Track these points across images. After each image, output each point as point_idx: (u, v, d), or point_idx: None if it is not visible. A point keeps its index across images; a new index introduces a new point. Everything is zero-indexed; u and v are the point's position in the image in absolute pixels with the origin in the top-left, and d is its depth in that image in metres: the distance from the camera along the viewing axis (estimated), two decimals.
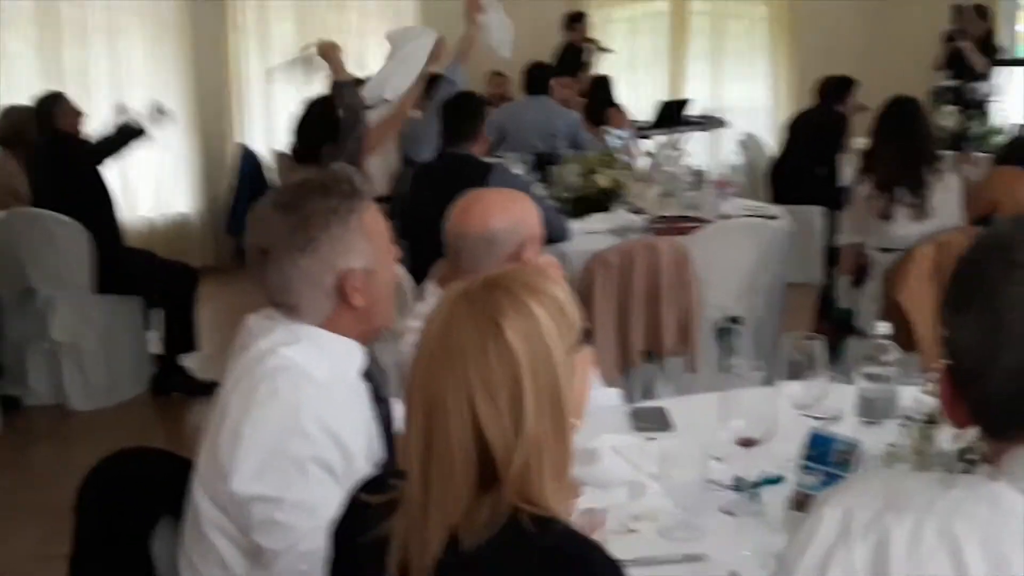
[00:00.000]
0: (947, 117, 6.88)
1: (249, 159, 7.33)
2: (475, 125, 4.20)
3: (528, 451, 1.20)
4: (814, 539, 1.03)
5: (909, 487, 1.04)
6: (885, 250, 4.52)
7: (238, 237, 7.07)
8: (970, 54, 8.13)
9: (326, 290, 1.77)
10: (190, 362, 5.33)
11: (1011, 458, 1.00)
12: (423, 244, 3.11)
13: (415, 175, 4.37)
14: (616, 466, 2.00)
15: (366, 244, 1.79)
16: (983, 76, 7.91)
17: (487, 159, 4.31)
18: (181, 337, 5.31)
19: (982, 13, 8.25)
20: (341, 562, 1.38)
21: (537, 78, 6.52)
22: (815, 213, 7.01)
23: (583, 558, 1.21)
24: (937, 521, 0.97)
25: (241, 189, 7.20)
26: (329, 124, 4.76)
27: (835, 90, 7.21)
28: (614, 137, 6.34)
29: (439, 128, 4.32)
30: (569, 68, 8.05)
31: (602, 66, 9.28)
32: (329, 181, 1.82)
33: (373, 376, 1.92)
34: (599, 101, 7.35)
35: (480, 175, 3.92)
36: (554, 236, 4.24)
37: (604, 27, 9.64)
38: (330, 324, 1.79)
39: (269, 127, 7.99)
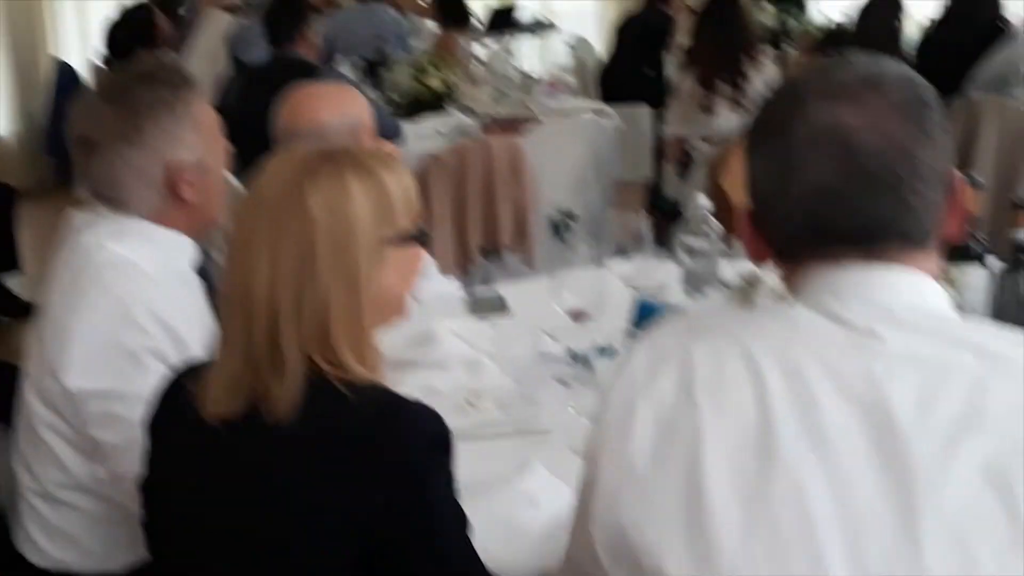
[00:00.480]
0: (765, 13, 7.07)
1: (65, 73, 6.98)
2: (297, 25, 4.12)
3: (318, 316, 1.23)
4: (623, 374, 1.06)
5: (712, 316, 1.11)
6: (708, 140, 4.68)
7: (57, 157, 6.81)
8: None
9: (154, 183, 1.73)
10: (12, 283, 5.12)
11: (803, 278, 1.07)
12: (253, 148, 3.05)
13: (242, 78, 4.27)
14: (454, 347, 2.04)
15: (196, 137, 1.76)
16: None
17: (314, 63, 4.24)
18: (2, 255, 5.09)
19: None
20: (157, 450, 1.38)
21: None
22: (644, 112, 7.16)
23: (403, 413, 1.25)
24: (736, 342, 1.02)
25: (58, 106, 6.86)
26: (145, 30, 4.59)
27: None
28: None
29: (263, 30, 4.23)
30: None
31: None
32: (157, 70, 1.77)
33: (208, 273, 1.90)
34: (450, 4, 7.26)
35: (307, 77, 3.85)
36: (386, 135, 4.24)
37: None
38: (159, 218, 1.76)
39: (85, 38, 7.62)
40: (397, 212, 1.31)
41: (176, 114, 1.73)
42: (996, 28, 5.15)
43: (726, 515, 0.94)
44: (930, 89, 1.08)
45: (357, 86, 3.70)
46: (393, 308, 1.37)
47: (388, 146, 2.50)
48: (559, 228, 4.55)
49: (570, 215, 4.55)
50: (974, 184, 1.92)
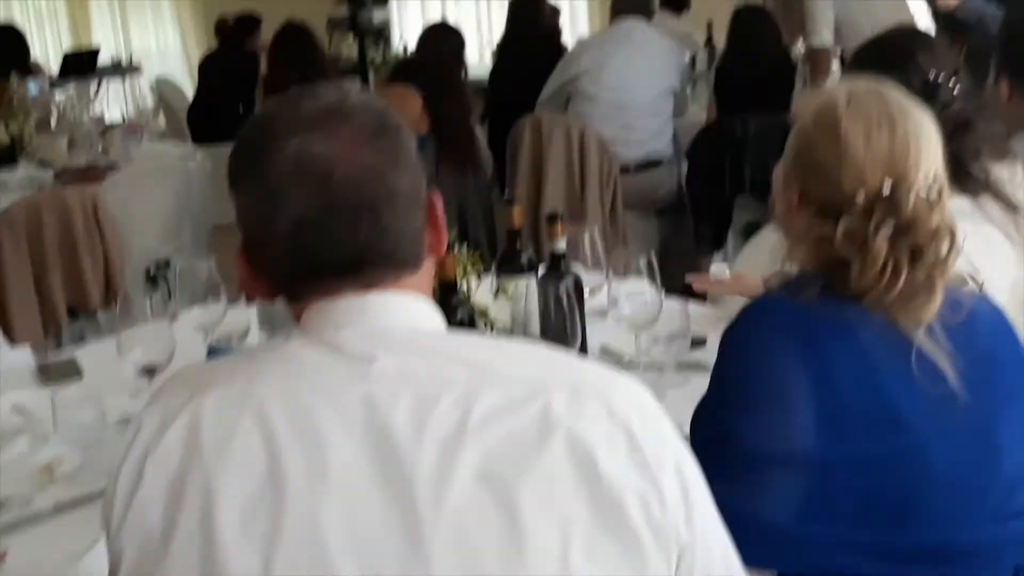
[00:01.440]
0: (345, 45, 7.21)
1: None
2: None
3: None
4: (135, 441, 1.03)
5: (215, 368, 1.11)
6: None
7: None
8: None
9: None
10: None
11: (306, 314, 1.09)
12: None
13: None
14: (10, 422, 1.91)
15: None
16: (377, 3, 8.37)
17: None
18: None
19: None
20: None
21: None
22: None
23: None
24: (243, 390, 1.02)
25: None
26: None
27: (240, 29, 7.26)
28: (33, 85, 5.89)
29: None
30: None
31: None
32: None
33: None
34: (7, 51, 6.75)
35: None
36: None
37: None
38: None
39: None
40: None
41: None
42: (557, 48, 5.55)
43: (242, 564, 0.94)
44: (395, 115, 1.12)
45: None
46: None
47: None
48: (155, 278, 4.38)
49: (164, 263, 4.40)
50: (511, 201, 2.06)
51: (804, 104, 1.55)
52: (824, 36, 4.75)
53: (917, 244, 1.38)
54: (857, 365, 1.38)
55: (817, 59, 4.81)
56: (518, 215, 2.08)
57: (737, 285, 2.28)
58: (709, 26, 5.57)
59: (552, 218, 1.97)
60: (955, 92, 2.00)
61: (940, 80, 2.01)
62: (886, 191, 1.39)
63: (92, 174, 4.35)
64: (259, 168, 1.06)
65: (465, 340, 1.15)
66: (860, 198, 1.39)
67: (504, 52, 5.75)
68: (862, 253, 1.37)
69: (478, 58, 7.82)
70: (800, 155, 1.50)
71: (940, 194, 1.42)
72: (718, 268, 2.33)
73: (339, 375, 1.02)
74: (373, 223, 1.05)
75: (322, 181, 1.04)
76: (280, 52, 4.72)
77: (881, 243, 1.37)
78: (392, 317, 1.07)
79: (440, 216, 1.15)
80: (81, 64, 8.38)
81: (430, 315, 1.11)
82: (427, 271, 1.14)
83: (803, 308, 1.41)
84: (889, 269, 1.36)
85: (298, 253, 1.06)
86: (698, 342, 2.08)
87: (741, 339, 1.47)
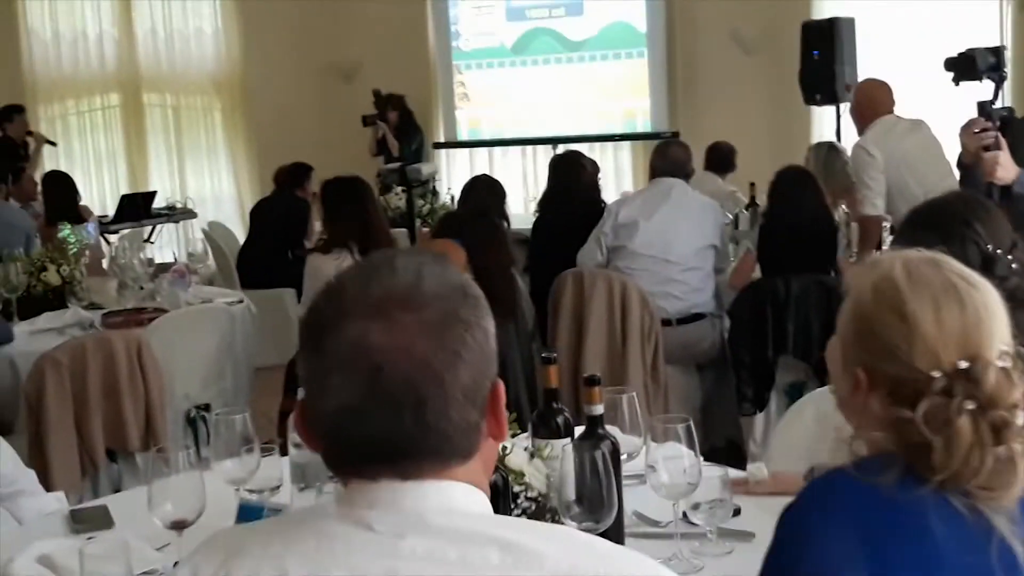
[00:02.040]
0: (396, 198, 7.37)
1: None
2: None
3: None
4: None
5: (250, 534, 1.10)
6: None
7: None
8: (388, 137, 8.81)
9: None
10: None
11: (347, 492, 1.09)
12: None
13: None
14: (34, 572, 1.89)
15: None
16: (404, 159, 8.61)
17: None
18: None
19: (398, 103, 8.99)
20: None
21: None
22: (286, 295, 7.16)
23: None
24: (273, 561, 1.02)
25: None
26: None
27: (292, 178, 7.47)
28: (86, 231, 6.06)
29: None
30: (9, 164, 7.61)
31: (56, 162, 8.89)
32: None
33: None
34: (58, 197, 6.99)
35: None
36: None
37: (55, 123, 9.26)
38: None
39: None
40: None
41: None
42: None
43: None
44: (472, 301, 1.10)
45: None
46: None
47: None
48: (195, 422, 4.39)
49: (205, 408, 4.42)
50: (549, 361, 2.04)
51: (858, 277, 1.47)
52: (877, 204, 4.78)
53: (1000, 420, 1.31)
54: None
55: (868, 226, 4.83)
56: (554, 375, 2.06)
57: (778, 486, 2.18)
58: (752, 187, 5.64)
59: (591, 381, 1.95)
60: (1013, 266, 1.97)
61: (998, 252, 1.98)
62: (963, 368, 1.32)
63: (139, 318, 4.42)
64: (318, 344, 1.07)
65: (505, 522, 1.14)
66: (938, 378, 1.32)
67: (546, 206, 5.84)
68: (945, 434, 1.30)
69: (523, 209, 7.95)
70: (863, 334, 1.42)
71: (1016, 365, 1.35)
72: (755, 468, 2.27)
73: (368, 551, 1.02)
74: (417, 419, 1.05)
75: (372, 373, 1.04)
76: (332, 201, 4.80)
77: (964, 423, 1.30)
78: (428, 503, 1.06)
79: (502, 404, 1.13)
80: (137, 206, 8.61)
81: (471, 499, 1.09)
82: (484, 456, 1.12)
83: (875, 493, 1.31)
84: (975, 449, 1.29)
85: (338, 436, 1.07)
86: (736, 512, 2.02)
87: (799, 521, 1.36)
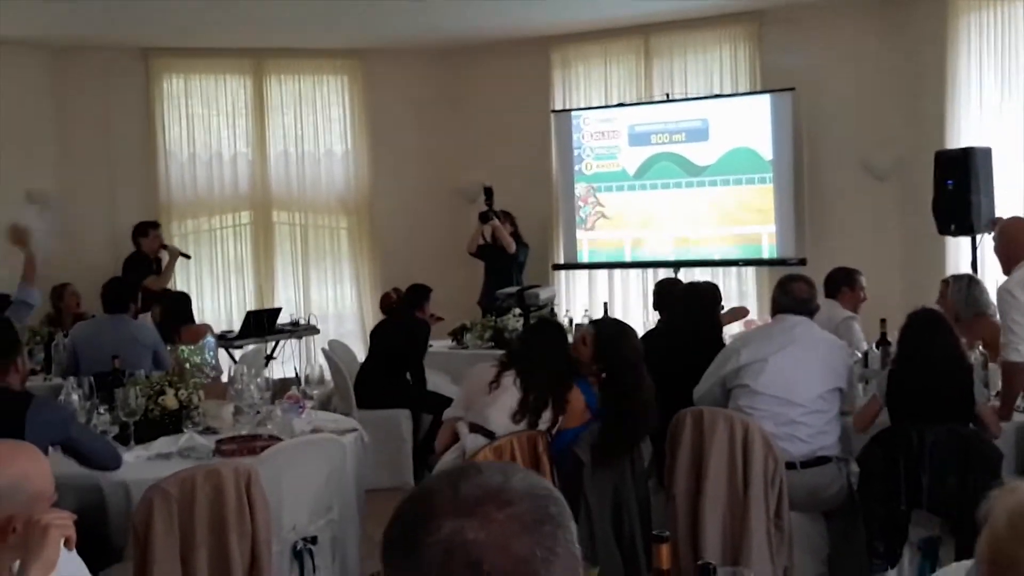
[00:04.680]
0: (513, 320, 7.34)
1: None
2: (8, 356, 3.89)
3: None
4: None
5: None
6: None
7: None
8: (501, 234, 8.81)
9: None
10: None
11: None
12: None
13: None
14: None
15: None
16: (515, 258, 8.62)
17: (25, 391, 3.99)
18: None
19: (510, 217, 9.07)
20: None
21: (116, 295, 6.28)
22: (402, 417, 7.15)
23: None
24: None
25: None
26: None
27: (414, 298, 7.53)
28: (206, 351, 6.18)
29: None
30: (143, 276, 7.86)
31: (186, 275, 9.16)
32: None
33: None
34: (175, 316, 7.16)
35: (17, 408, 3.63)
36: (101, 467, 4.00)
37: (187, 239, 9.58)
38: None
39: None
40: None
41: None
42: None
43: None
44: (558, 501, 1.09)
45: (68, 419, 3.54)
46: None
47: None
48: (301, 555, 4.33)
49: (312, 540, 4.35)
50: (661, 540, 1.90)
51: (997, 502, 1.39)
52: (1021, 350, 4.53)
53: None
54: None
55: (1011, 373, 4.58)
56: (665, 556, 1.91)
57: None
58: (883, 323, 5.40)
59: (705, 570, 1.80)
60: None
61: None
62: None
63: (252, 445, 4.40)
64: (411, 550, 1.04)
65: None
66: None
67: (657, 338, 5.69)
68: None
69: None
70: (1000, 567, 1.35)
71: None
72: None
73: None
74: None
75: (472, 571, 1.00)
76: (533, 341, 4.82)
77: None
78: None
79: None
80: (262, 322, 8.77)
81: None
82: None
83: None
84: None
85: None
86: None
87: None
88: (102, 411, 4.62)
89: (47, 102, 9.30)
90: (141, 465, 4.23)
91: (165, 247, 8.93)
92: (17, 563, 2.03)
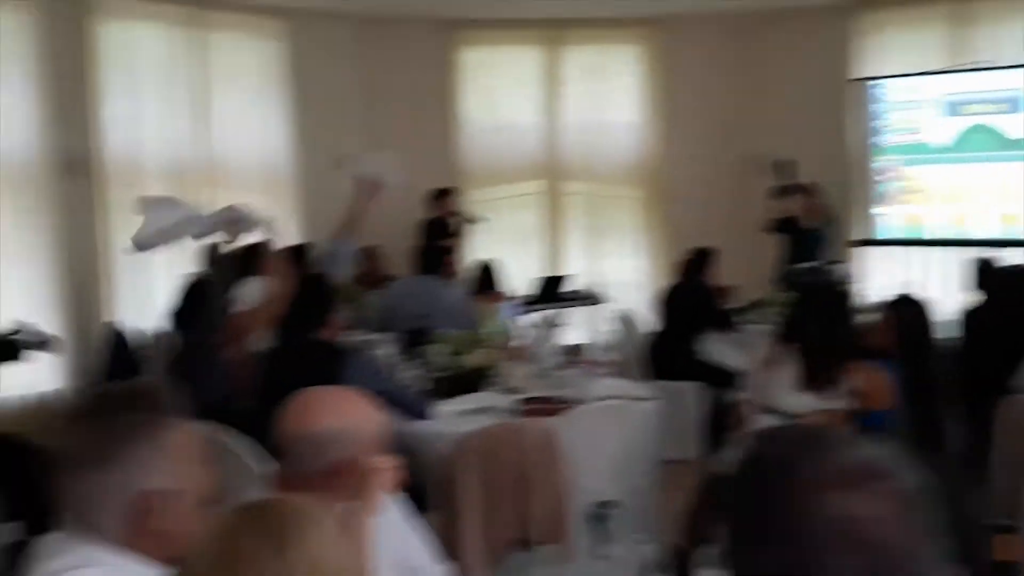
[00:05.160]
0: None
1: (117, 338, 7.06)
2: (326, 310, 4.08)
3: None
4: None
5: None
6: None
7: None
8: (807, 208, 8.46)
9: (122, 510, 1.63)
10: None
11: None
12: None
13: (265, 362, 4.13)
14: None
15: (172, 465, 1.66)
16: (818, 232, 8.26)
17: (344, 343, 4.18)
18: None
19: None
20: None
21: (428, 258, 6.53)
22: (687, 389, 7.03)
23: None
24: None
25: (109, 371, 6.90)
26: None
27: (695, 263, 7.38)
28: (507, 317, 6.34)
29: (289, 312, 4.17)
30: (440, 239, 8.13)
31: (482, 240, 9.41)
32: (137, 394, 1.70)
33: None
34: (480, 283, 7.37)
35: (338, 359, 3.82)
36: (412, 417, 4.13)
37: (485, 205, 9.83)
38: (129, 545, 1.64)
39: (143, 305, 7.73)
40: None
41: (153, 442, 1.64)
42: None
43: None
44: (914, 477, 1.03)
45: (383, 374, 3.67)
46: None
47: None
48: (597, 519, 4.34)
49: (608, 504, 4.35)
50: (1002, 529, 1.74)
51: None
52: None
53: None
54: None
55: None
56: (1006, 547, 1.74)
57: None
58: None
59: None
60: None
61: None
62: None
63: (552, 407, 4.45)
64: (790, 527, 0.98)
65: None
66: None
67: (978, 316, 5.27)
68: None
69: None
70: None
71: None
72: None
73: None
74: None
75: (862, 546, 0.96)
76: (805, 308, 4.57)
77: None
78: None
79: None
80: (554, 288, 8.92)
81: None
82: None
83: None
84: None
85: None
86: None
87: None
88: (411, 367, 4.81)
89: (352, 71, 9.74)
90: (447, 419, 4.36)
91: (457, 213, 9.19)
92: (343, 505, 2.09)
